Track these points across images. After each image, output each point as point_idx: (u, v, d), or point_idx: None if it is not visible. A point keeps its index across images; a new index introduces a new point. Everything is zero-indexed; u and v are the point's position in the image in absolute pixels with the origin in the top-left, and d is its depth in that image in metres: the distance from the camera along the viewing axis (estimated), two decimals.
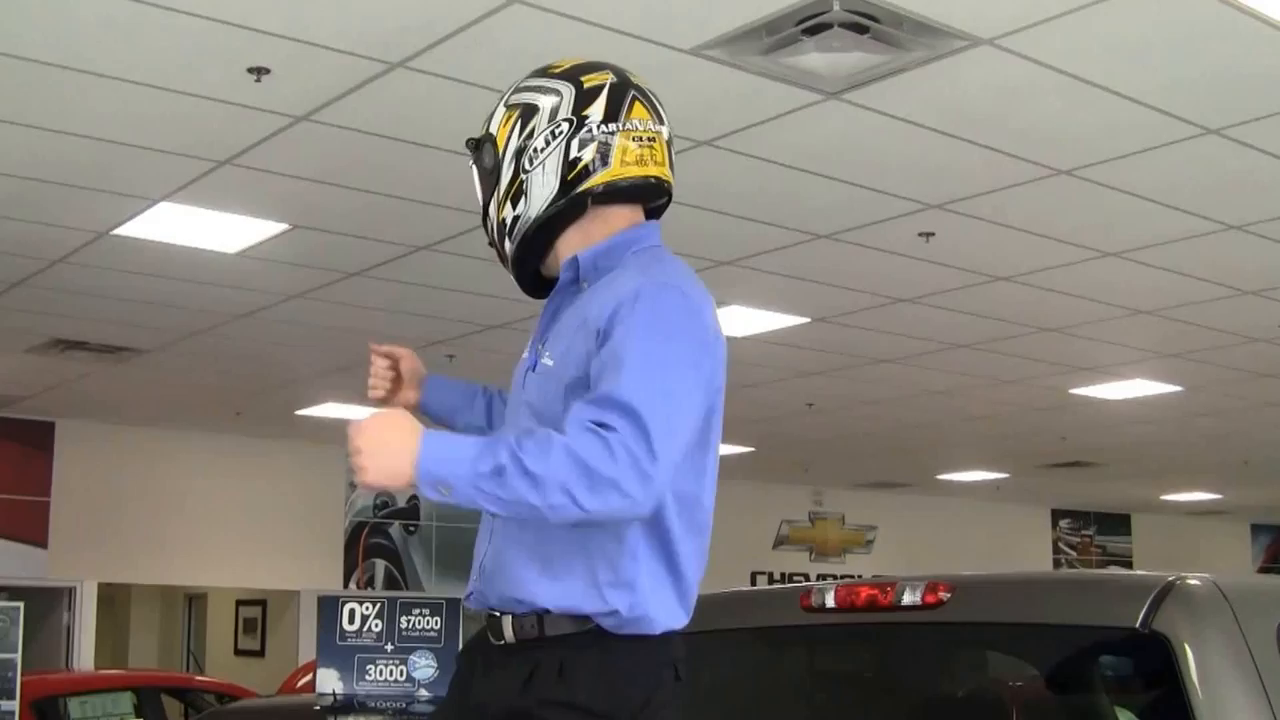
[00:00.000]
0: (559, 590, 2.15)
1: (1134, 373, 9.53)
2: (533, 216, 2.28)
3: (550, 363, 2.21)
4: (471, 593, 2.29)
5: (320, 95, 4.68)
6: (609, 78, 2.31)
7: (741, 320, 7.82)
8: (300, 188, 5.58)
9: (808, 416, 11.08)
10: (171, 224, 6.08)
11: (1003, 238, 6.31)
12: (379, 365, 2.60)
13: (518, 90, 2.35)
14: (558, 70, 2.34)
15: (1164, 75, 4.54)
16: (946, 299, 7.47)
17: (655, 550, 2.15)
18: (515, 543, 2.19)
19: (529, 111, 2.30)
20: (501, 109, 2.35)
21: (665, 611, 2.16)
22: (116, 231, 6.19)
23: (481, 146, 2.36)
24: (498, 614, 2.21)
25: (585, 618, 2.14)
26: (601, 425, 1.96)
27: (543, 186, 2.26)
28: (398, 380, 2.60)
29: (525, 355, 2.36)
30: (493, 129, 2.35)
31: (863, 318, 7.89)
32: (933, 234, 6.25)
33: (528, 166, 2.27)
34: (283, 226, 6.14)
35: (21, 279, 7.01)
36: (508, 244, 2.33)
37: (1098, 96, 4.67)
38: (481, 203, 2.38)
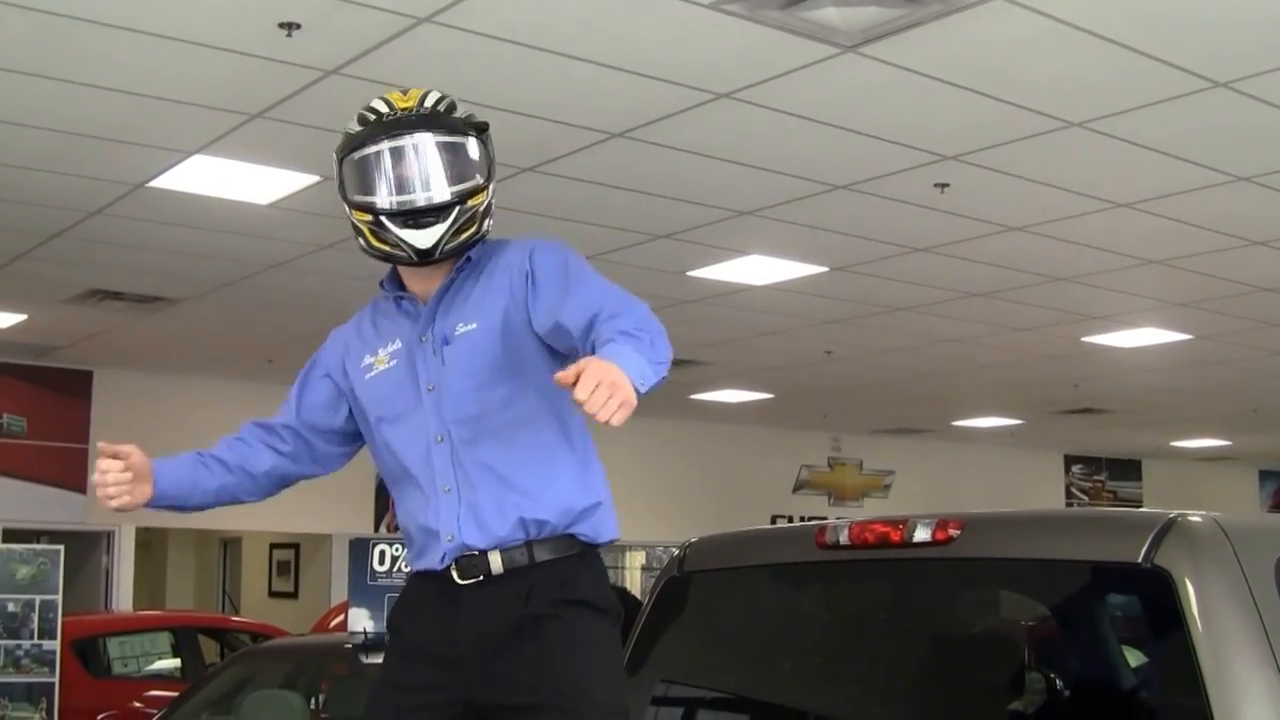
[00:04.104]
0: (558, 511, 2.48)
1: (1144, 321, 9.56)
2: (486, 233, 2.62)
3: (472, 325, 2.53)
4: (445, 553, 2.50)
5: (350, 49, 4.74)
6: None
7: (760, 269, 7.74)
8: (330, 141, 5.42)
9: (826, 364, 11.14)
10: (205, 176, 6.17)
11: (1016, 189, 6.37)
12: (113, 468, 2.50)
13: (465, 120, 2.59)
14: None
15: (1174, 29, 4.59)
16: (961, 249, 7.52)
17: (601, 474, 2.58)
18: (504, 483, 2.49)
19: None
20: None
21: (615, 524, 2.57)
22: (151, 184, 6.27)
23: (483, 139, 2.61)
24: (478, 552, 2.48)
25: (570, 537, 2.49)
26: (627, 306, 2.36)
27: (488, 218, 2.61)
28: (134, 480, 2.53)
29: (387, 364, 2.61)
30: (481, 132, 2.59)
31: (879, 267, 7.93)
32: (948, 185, 6.31)
33: (490, 194, 2.60)
34: (313, 178, 6.20)
35: (59, 231, 7.10)
36: (447, 231, 2.52)
37: (1109, 50, 4.72)
38: (459, 182, 2.54)
